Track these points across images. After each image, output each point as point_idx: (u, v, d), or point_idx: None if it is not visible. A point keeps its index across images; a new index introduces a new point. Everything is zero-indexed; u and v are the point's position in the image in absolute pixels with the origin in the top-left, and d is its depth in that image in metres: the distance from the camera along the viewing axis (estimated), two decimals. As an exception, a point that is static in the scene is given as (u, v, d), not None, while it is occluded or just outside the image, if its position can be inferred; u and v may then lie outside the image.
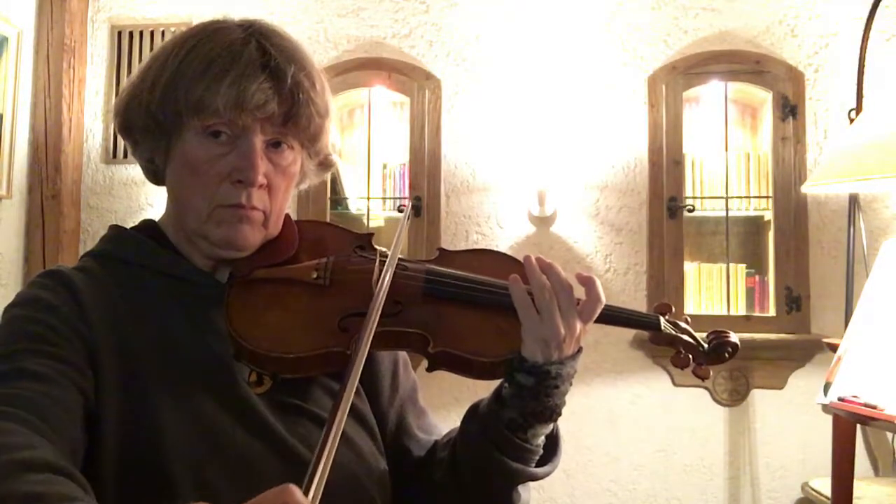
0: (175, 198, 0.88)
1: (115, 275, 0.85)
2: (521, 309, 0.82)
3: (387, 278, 0.79)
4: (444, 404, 2.68)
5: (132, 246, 0.89)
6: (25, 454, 0.61)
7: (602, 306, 0.84)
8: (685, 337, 0.90)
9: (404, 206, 2.97)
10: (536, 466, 0.86)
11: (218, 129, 0.82)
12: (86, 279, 0.83)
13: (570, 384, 0.83)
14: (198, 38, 0.84)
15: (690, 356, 0.89)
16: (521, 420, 0.82)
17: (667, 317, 0.91)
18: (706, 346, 0.90)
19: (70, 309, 0.78)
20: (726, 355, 0.89)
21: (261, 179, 0.83)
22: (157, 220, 0.94)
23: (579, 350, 0.84)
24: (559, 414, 0.83)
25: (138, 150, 0.90)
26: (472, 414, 0.88)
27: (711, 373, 0.91)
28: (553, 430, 0.87)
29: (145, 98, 0.84)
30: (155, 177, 0.92)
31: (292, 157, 0.87)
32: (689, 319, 0.92)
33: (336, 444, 0.59)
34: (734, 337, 0.89)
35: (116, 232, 0.92)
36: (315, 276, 0.86)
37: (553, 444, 0.88)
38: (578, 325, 0.82)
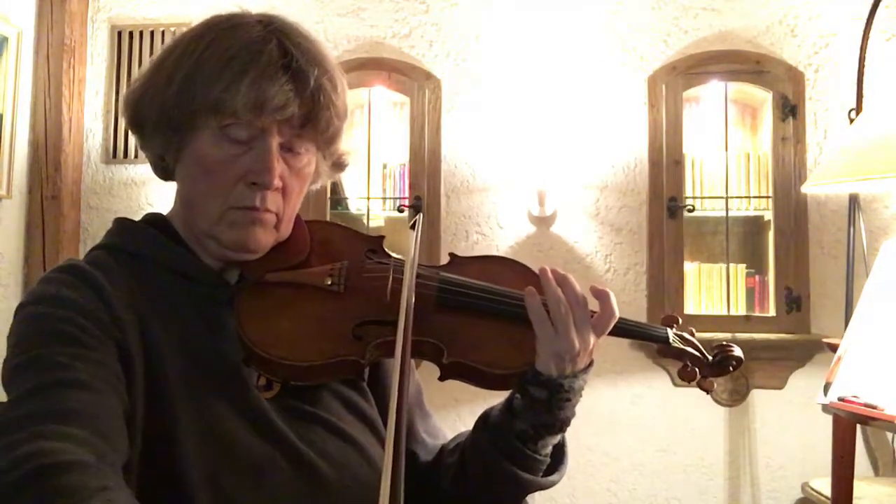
0: (186, 198, 0.85)
1: (130, 268, 0.81)
2: (536, 322, 0.81)
3: (411, 296, 0.78)
4: (443, 405, 2.68)
5: (143, 239, 0.85)
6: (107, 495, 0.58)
7: (616, 320, 0.84)
8: (692, 350, 0.91)
9: (404, 205, 2.95)
10: (543, 475, 0.86)
11: (234, 129, 0.79)
12: (103, 274, 0.78)
13: (581, 397, 0.83)
14: (215, 32, 0.80)
15: (697, 369, 0.91)
16: (532, 432, 0.82)
17: (674, 329, 0.92)
18: (711, 358, 0.91)
19: (97, 307, 0.74)
20: (730, 368, 0.90)
21: (277, 182, 0.80)
22: (165, 214, 0.90)
23: (590, 363, 0.84)
24: (568, 425, 0.84)
25: (148, 145, 0.86)
26: (483, 424, 0.88)
27: (715, 385, 0.93)
28: (560, 439, 0.87)
29: (160, 93, 0.80)
30: (164, 173, 0.88)
31: (307, 158, 0.85)
32: (694, 331, 0.93)
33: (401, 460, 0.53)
34: (738, 351, 0.91)
35: (124, 224, 0.87)
36: (329, 282, 0.84)
37: (559, 452, 0.88)
38: (592, 339, 0.82)
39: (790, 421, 2.75)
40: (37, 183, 2.99)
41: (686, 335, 0.92)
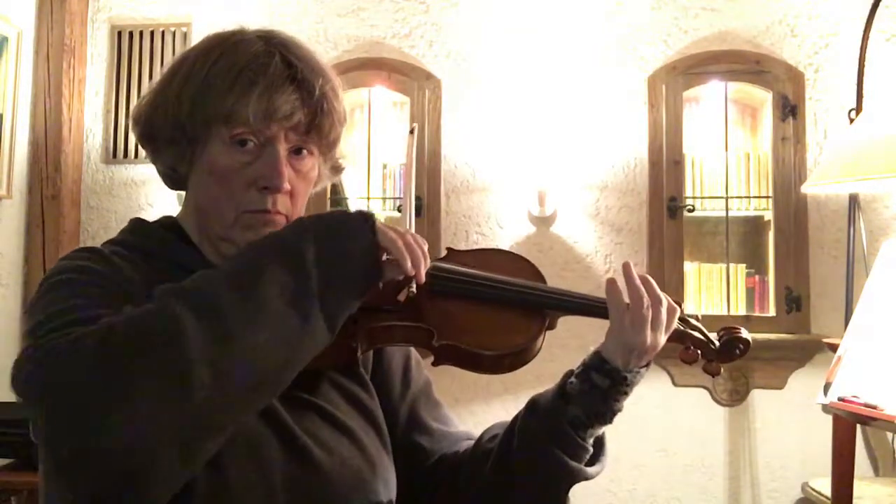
0: (199, 204, 0.89)
1: (137, 264, 0.86)
2: (615, 313, 0.84)
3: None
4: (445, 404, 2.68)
5: (156, 239, 0.90)
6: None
7: (678, 315, 0.87)
8: (695, 333, 0.90)
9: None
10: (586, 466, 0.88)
11: (245, 137, 0.84)
12: (119, 260, 0.84)
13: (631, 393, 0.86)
14: (221, 48, 0.85)
15: (699, 352, 0.90)
16: (584, 419, 0.85)
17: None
18: (717, 343, 0.90)
19: (115, 277, 0.80)
20: (737, 352, 0.90)
21: (286, 185, 0.85)
22: (175, 216, 0.95)
23: (649, 362, 0.87)
24: (614, 418, 0.87)
25: (160, 157, 0.90)
26: (533, 408, 0.90)
27: (722, 370, 0.92)
28: (601, 432, 0.90)
29: (171, 109, 0.85)
30: (174, 183, 0.93)
31: (312, 162, 0.90)
32: (699, 317, 0.93)
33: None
34: (745, 333, 0.90)
35: (139, 224, 0.92)
36: None
37: (598, 445, 0.90)
38: (662, 340, 0.85)
39: (790, 421, 2.75)
40: (37, 183, 2.99)
41: (690, 319, 0.92)
